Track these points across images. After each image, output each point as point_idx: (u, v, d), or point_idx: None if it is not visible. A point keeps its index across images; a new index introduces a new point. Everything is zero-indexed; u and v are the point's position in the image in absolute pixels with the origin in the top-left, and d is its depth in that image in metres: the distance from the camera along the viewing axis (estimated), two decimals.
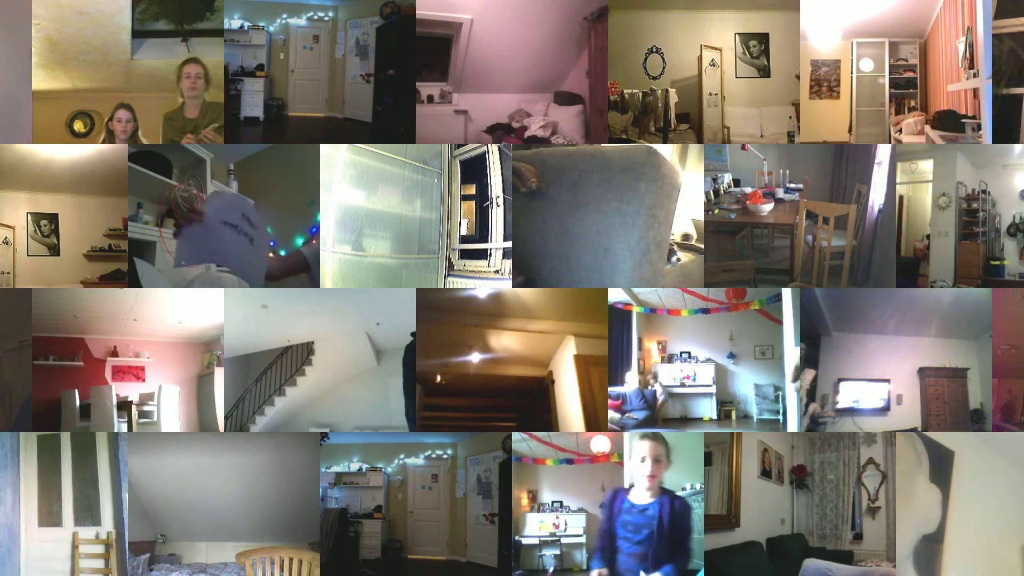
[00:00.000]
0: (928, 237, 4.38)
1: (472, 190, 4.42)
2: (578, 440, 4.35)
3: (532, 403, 4.91)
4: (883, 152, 4.38)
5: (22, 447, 4.13)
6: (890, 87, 4.76)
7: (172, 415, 4.61)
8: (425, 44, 4.52)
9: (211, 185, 4.54)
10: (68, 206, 4.48)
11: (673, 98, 4.67)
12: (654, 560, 3.18)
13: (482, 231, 4.34)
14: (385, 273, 4.30)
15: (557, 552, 4.55)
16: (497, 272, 4.17)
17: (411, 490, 5.00)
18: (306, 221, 4.34)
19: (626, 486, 3.45)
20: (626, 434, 4.17)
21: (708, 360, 4.84)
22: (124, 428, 4.38)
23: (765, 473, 4.42)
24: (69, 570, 4.14)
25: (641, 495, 3.29)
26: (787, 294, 4.13)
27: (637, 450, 3.33)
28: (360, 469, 4.93)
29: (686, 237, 4.66)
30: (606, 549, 3.27)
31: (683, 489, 4.12)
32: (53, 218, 4.48)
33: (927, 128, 4.48)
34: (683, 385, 4.77)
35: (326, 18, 5.09)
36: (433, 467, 5.01)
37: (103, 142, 4.27)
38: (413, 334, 4.08)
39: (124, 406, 4.46)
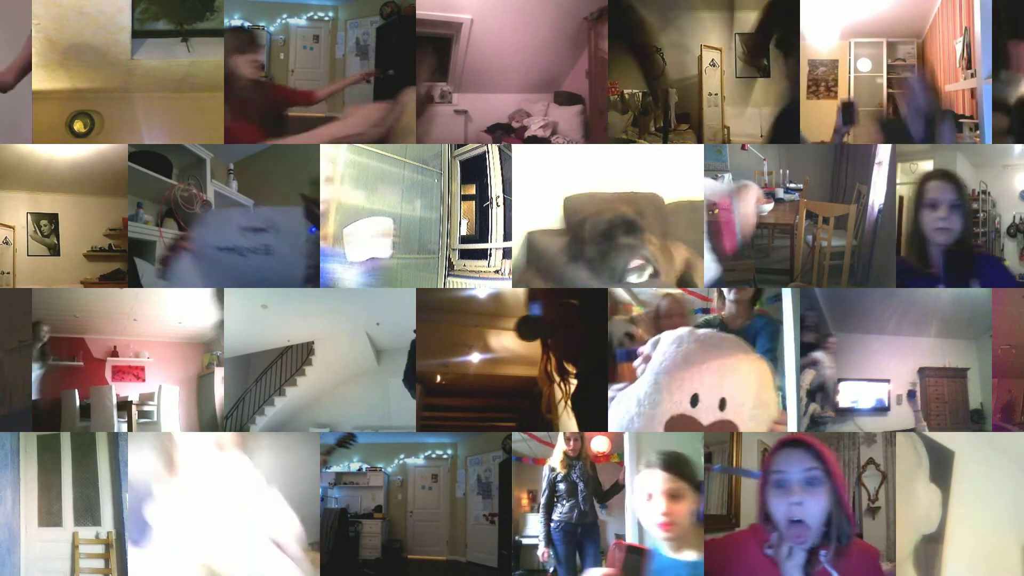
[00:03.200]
0: None
1: (472, 190, 4.42)
2: None
3: (532, 403, 4.90)
4: (883, 152, 4.37)
5: (22, 447, 4.13)
6: (888, 87, 4.76)
7: (172, 415, 4.60)
8: (425, 44, 4.52)
9: (211, 185, 4.53)
10: (68, 206, 4.48)
11: (673, 98, 4.67)
12: None
13: (482, 231, 4.34)
14: (385, 273, 4.30)
15: None
16: (497, 272, 4.18)
17: (411, 490, 5.00)
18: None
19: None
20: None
21: None
22: (124, 428, 4.37)
23: None
24: (69, 570, 4.14)
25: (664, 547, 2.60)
26: (787, 294, 4.13)
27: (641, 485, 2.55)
28: (360, 469, 4.92)
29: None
30: None
31: None
32: (53, 218, 4.48)
33: None
34: None
35: (326, 18, 5.09)
36: (433, 467, 5.00)
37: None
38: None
39: (124, 406, 4.45)
